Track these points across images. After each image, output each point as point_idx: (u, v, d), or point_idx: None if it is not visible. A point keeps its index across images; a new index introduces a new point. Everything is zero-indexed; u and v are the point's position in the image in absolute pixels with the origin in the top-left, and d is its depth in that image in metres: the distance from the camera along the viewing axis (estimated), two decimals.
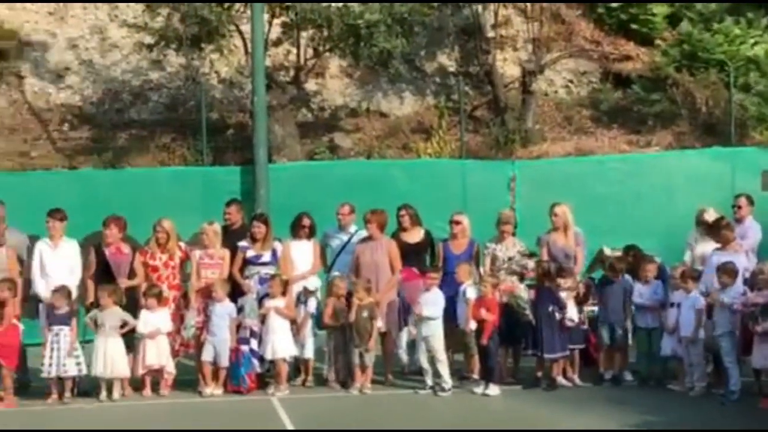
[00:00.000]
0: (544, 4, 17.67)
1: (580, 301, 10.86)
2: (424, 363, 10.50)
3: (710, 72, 16.26)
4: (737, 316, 9.92)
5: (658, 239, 12.16)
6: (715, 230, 10.65)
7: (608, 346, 10.78)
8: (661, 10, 18.16)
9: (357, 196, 12.20)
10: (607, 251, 11.16)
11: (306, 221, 11.23)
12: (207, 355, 10.46)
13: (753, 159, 14.23)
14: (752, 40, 16.87)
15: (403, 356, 11.21)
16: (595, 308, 10.96)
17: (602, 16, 18.42)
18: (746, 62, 16.42)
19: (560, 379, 10.66)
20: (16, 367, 10.22)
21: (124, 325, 10.29)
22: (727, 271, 9.96)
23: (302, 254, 11.15)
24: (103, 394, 10.22)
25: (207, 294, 10.58)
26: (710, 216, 11.11)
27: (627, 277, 10.85)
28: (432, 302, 10.47)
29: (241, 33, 15.31)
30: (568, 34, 18.20)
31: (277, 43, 15.93)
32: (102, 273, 10.58)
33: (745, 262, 10.37)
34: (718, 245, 10.59)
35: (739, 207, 11.31)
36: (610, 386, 10.60)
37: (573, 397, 10.18)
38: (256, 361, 10.55)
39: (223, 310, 10.48)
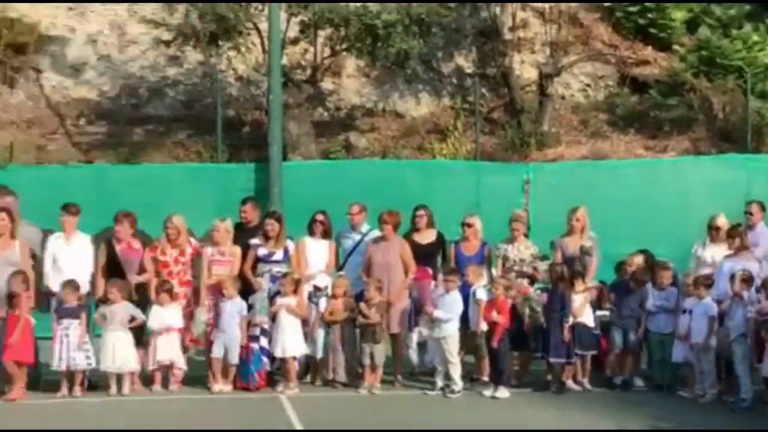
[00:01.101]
0: (563, 8, 17.62)
1: (594, 306, 10.83)
2: (438, 364, 10.48)
3: (728, 78, 16.19)
4: (751, 323, 9.87)
5: (672, 245, 12.07)
6: (729, 237, 10.58)
7: (620, 350, 10.74)
8: (679, 15, 18.08)
9: (371, 196, 12.19)
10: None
11: (320, 218, 11.18)
12: (217, 352, 10.47)
13: None
14: None
15: (413, 357, 11.20)
16: (607, 312, 10.94)
17: (620, 20, 18.34)
18: (764, 69, 16.34)
19: (570, 383, 10.62)
20: (32, 362, 10.25)
21: (132, 319, 10.33)
22: (744, 278, 9.92)
23: (318, 253, 11.09)
24: (113, 388, 10.24)
25: (217, 291, 10.59)
26: (721, 222, 11.04)
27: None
28: (449, 305, 10.42)
29: (258, 31, 15.34)
30: (586, 38, 18.15)
31: (295, 41, 15.96)
32: (113, 269, 10.60)
33: (757, 269, 10.30)
34: (730, 252, 10.53)
35: (751, 213, 11.20)
36: (619, 391, 10.56)
37: (582, 401, 10.14)
38: (266, 359, 10.56)
39: (234, 307, 10.49)
